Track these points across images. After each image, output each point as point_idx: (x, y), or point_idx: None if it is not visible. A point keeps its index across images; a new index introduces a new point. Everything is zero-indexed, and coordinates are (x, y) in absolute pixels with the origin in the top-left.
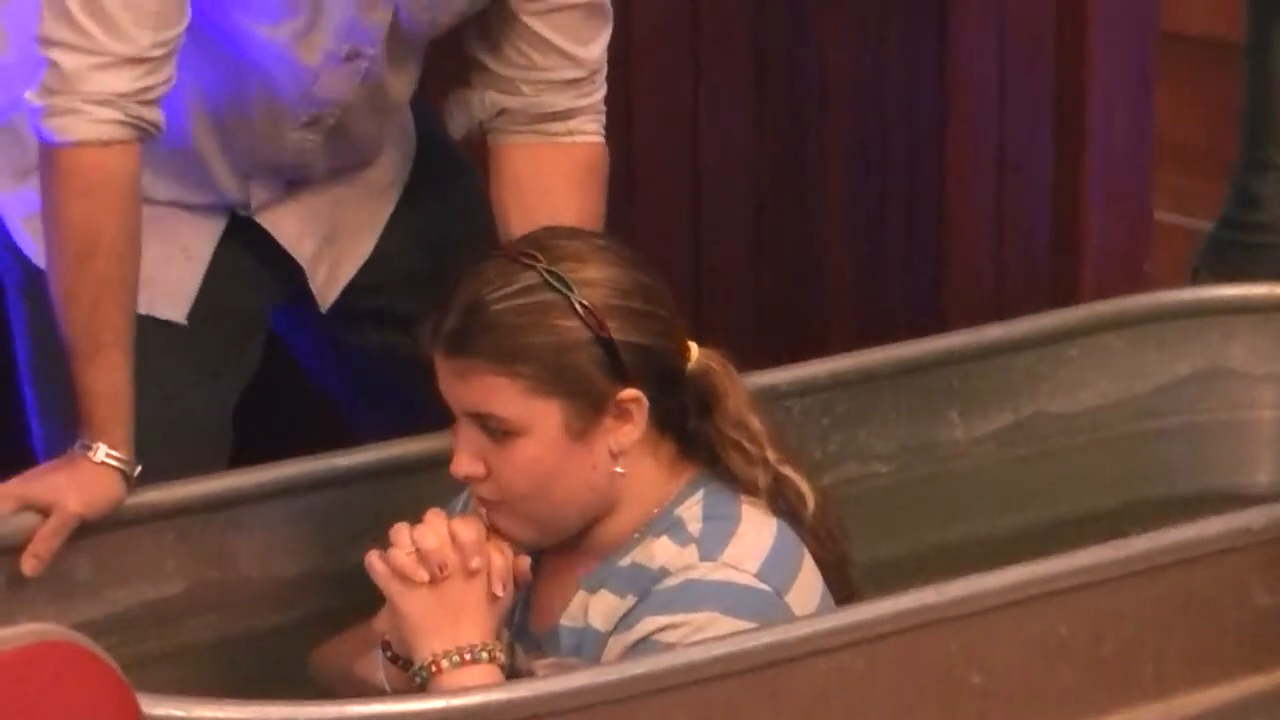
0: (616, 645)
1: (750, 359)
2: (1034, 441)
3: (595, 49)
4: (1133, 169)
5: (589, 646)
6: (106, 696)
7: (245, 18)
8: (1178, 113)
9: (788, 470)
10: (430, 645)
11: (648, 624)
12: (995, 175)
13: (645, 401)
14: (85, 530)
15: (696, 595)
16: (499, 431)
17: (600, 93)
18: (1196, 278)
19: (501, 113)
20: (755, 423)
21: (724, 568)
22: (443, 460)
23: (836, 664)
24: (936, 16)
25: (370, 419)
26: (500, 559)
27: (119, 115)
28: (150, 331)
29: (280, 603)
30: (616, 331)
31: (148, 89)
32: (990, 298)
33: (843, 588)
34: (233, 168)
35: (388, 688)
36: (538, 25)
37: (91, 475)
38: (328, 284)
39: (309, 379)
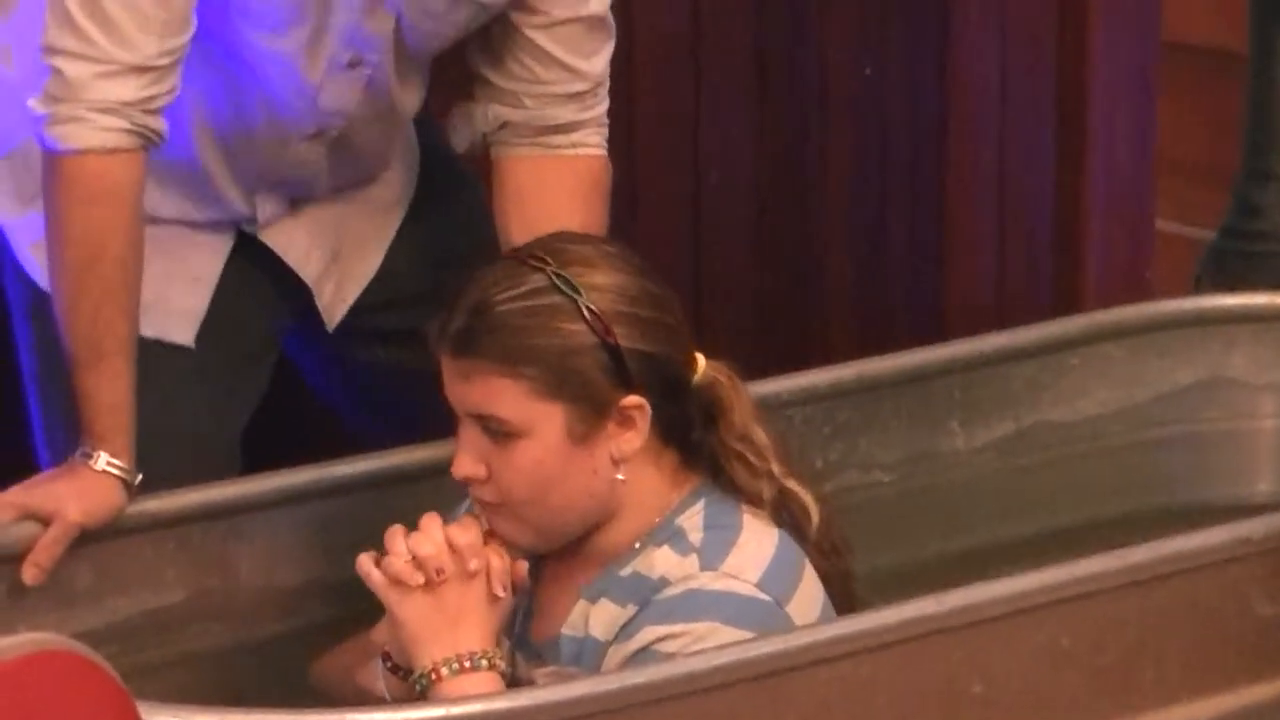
0: (617, 655)
1: (750, 361)
2: (1035, 451)
3: (598, 62)
4: (1134, 178)
5: (589, 656)
6: (107, 705)
7: (249, 29)
8: (1179, 122)
9: (792, 484)
10: (430, 653)
11: (648, 633)
12: (997, 184)
13: (648, 409)
14: (86, 539)
15: (697, 605)
16: (501, 433)
17: (603, 106)
18: (1198, 287)
19: (504, 126)
20: (760, 435)
21: (725, 578)
22: (444, 468)
23: (838, 673)
24: (937, 21)
25: (376, 432)
26: (499, 562)
27: (124, 123)
28: (159, 355)
29: (281, 611)
30: (622, 338)
31: (152, 98)
32: (991, 306)
33: (845, 602)
34: (238, 182)
35: (388, 698)
36: (540, 39)
37: (92, 484)
38: (334, 302)
39: (314, 395)
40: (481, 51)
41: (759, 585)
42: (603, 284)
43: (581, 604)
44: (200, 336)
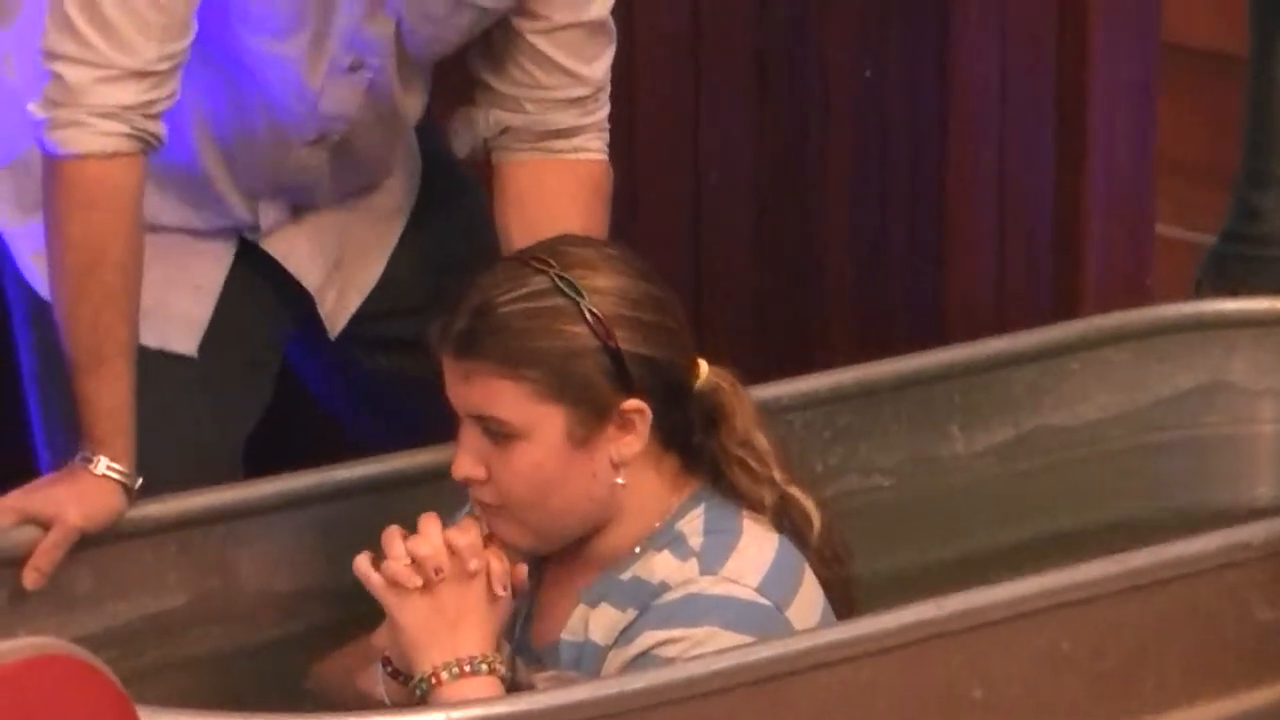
0: (616, 659)
1: (750, 361)
2: (1035, 455)
3: (599, 67)
4: (1134, 182)
5: (589, 660)
6: (106, 710)
7: (250, 34)
8: (1179, 125)
9: (794, 490)
10: (429, 657)
11: (648, 638)
12: (997, 185)
13: (649, 413)
14: (86, 543)
15: (697, 609)
16: (501, 435)
17: (604, 111)
18: (1199, 291)
19: (505, 130)
20: (762, 442)
21: (724, 582)
22: (445, 473)
23: (838, 678)
24: (937, 22)
25: (378, 440)
26: (499, 564)
27: (123, 128)
28: (162, 365)
29: (281, 615)
30: (624, 341)
31: (152, 102)
32: (991, 308)
33: (846, 608)
34: (240, 189)
35: (388, 702)
36: (541, 44)
37: (92, 488)
38: (336, 310)
39: (316, 403)
40: (482, 57)
41: (759, 590)
42: (605, 287)
43: (581, 608)
44: (203, 345)
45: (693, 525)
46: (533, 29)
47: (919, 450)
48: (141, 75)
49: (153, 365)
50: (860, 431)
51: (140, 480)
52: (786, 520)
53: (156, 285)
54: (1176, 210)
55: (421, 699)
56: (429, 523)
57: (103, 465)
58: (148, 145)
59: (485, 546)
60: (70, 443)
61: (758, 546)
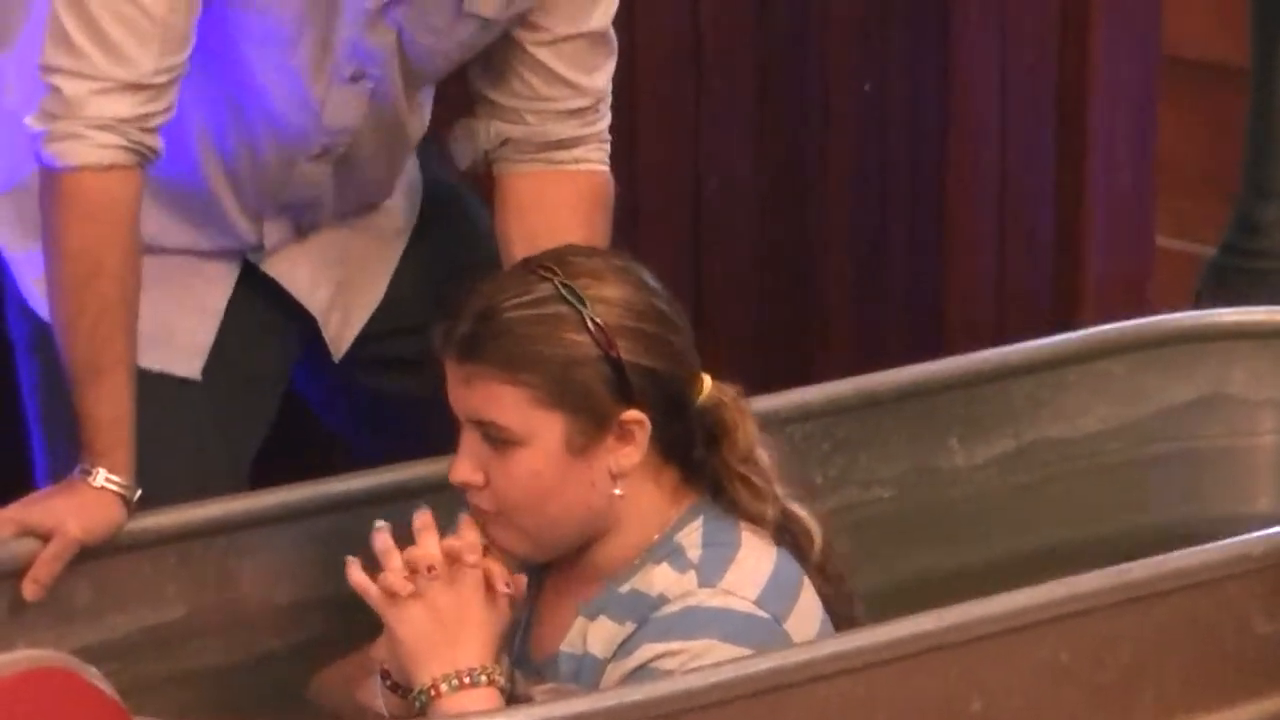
0: (615, 672)
1: (751, 368)
2: (1035, 467)
3: (599, 78)
4: (1135, 194)
5: (588, 673)
6: None
7: (251, 48)
8: (1180, 137)
9: (796, 507)
10: (429, 669)
11: (646, 651)
12: (997, 195)
13: (648, 425)
14: (85, 555)
15: (695, 622)
16: (500, 440)
17: (604, 122)
18: (1199, 303)
19: (506, 142)
20: (764, 458)
21: (723, 594)
22: (444, 484)
23: (836, 690)
24: (938, 32)
25: (381, 459)
26: (497, 566)
27: (120, 140)
28: (166, 389)
29: (281, 627)
30: (626, 351)
31: (149, 115)
32: (991, 319)
33: (848, 624)
34: (245, 207)
35: (387, 715)
36: (542, 55)
37: (91, 500)
38: (341, 332)
39: (320, 422)
40: (483, 71)
41: (757, 602)
42: (609, 297)
43: (580, 621)
44: (207, 369)
45: (691, 538)
46: (533, 40)
47: (918, 462)
48: (138, 88)
49: (157, 389)
50: (860, 443)
51: (139, 492)
52: (788, 536)
53: (160, 310)
54: (1176, 222)
55: (421, 711)
56: (421, 519)
57: (101, 477)
58: (145, 158)
59: (484, 554)
60: (72, 470)
61: (756, 559)
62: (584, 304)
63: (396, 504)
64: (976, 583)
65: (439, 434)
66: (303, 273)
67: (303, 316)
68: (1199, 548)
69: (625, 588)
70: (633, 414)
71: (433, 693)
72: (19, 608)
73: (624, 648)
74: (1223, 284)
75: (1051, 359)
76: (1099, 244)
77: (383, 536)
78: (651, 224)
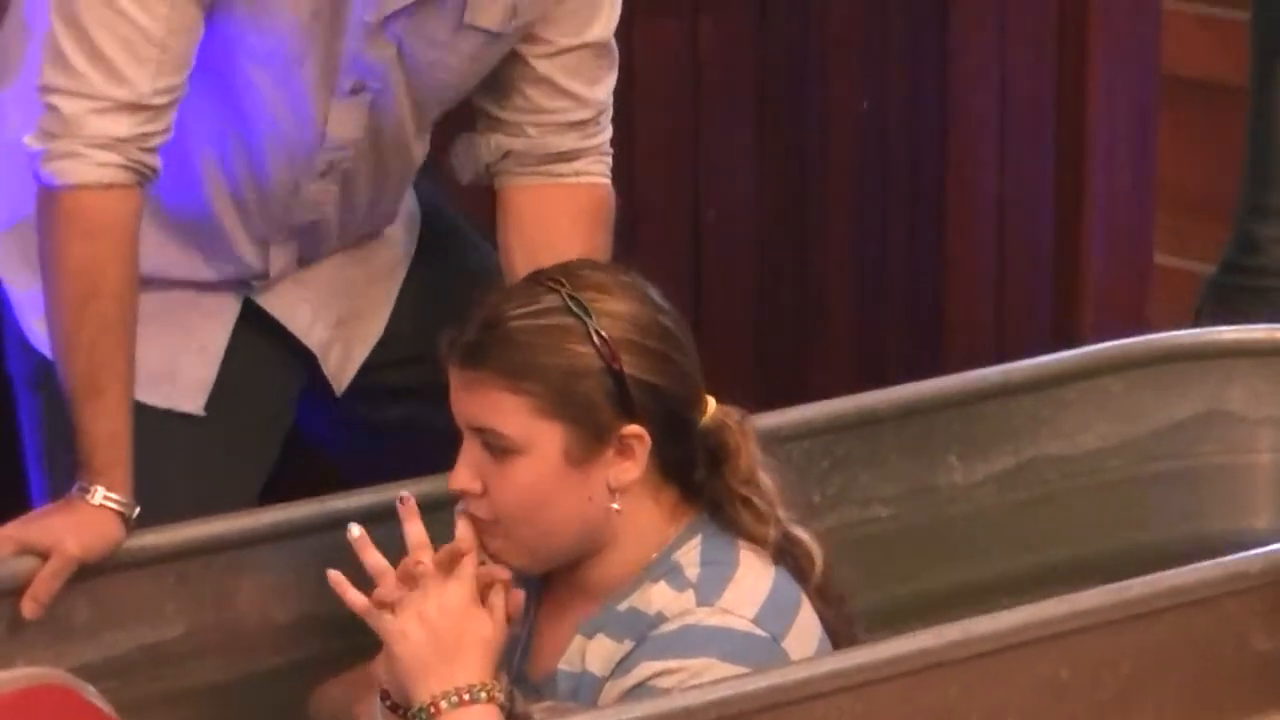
0: (613, 690)
1: (750, 394)
2: (1033, 485)
3: (601, 90)
4: (1134, 211)
5: (586, 691)
6: None
7: (255, 67)
8: (1178, 156)
9: (798, 530)
10: (428, 687)
11: (644, 669)
12: (996, 217)
13: (648, 440)
14: (84, 573)
15: (693, 641)
16: (500, 449)
17: (605, 134)
18: (1198, 321)
19: (507, 155)
20: (766, 480)
21: (721, 613)
22: (444, 502)
23: (834, 707)
24: (937, 58)
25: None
26: (498, 569)
27: (119, 159)
28: (171, 425)
29: (280, 645)
30: (629, 366)
31: (147, 135)
32: (990, 339)
33: (849, 645)
34: (251, 232)
35: None
36: (544, 68)
37: (90, 517)
38: (341, 367)
39: (319, 454)
40: (484, 87)
41: (755, 621)
42: (615, 311)
43: (578, 639)
44: (210, 405)
45: (690, 556)
46: (535, 53)
47: (917, 480)
48: (136, 108)
49: (161, 425)
50: (859, 461)
51: (137, 510)
52: (789, 558)
53: (162, 347)
54: (1176, 240)
55: None
56: (406, 509)
57: (100, 495)
58: (144, 177)
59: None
60: None
61: (754, 578)
62: (589, 316)
63: (396, 521)
64: (975, 600)
65: (440, 465)
66: (302, 311)
67: (303, 352)
68: (1198, 565)
69: (623, 606)
70: (633, 429)
71: (432, 710)
72: (18, 626)
73: (622, 666)
74: (1222, 302)
75: (1051, 377)
76: (1098, 270)
77: (374, 556)
78: (650, 253)
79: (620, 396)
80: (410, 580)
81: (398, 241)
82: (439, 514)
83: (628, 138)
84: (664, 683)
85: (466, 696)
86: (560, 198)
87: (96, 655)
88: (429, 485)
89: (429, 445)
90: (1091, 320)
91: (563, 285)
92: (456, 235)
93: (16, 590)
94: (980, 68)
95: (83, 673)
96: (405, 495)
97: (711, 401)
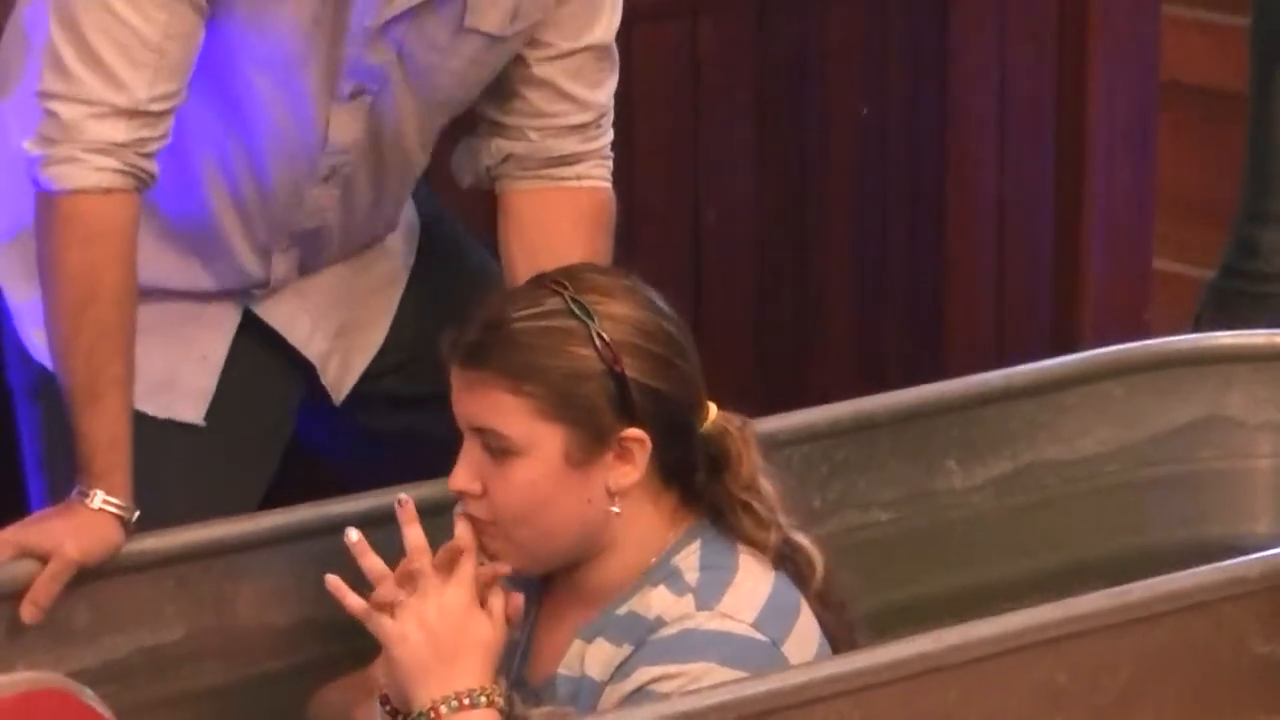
0: (613, 695)
1: (750, 398)
2: (1032, 490)
3: (602, 94)
4: (1133, 216)
5: (585, 696)
6: None
7: (257, 73)
8: (1178, 161)
9: (799, 537)
10: (429, 691)
11: (644, 674)
12: (996, 227)
13: (649, 444)
14: (84, 577)
15: (693, 645)
16: (500, 450)
17: (606, 138)
18: (1198, 326)
19: (508, 158)
20: (767, 487)
21: (720, 617)
22: (444, 506)
23: (833, 712)
24: (937, 61)
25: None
26: (498, 564)
27: (117, 164)
28: (171, 435)
29: (279, 649)
30: (630, 369)
31: (144, 140)
32: (990, 344)
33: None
34: (253, 240)
35: None
36: (546, 71)
37: (89, 521)
38: (340, 377)
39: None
40: (485, 90)
41: (755, 625)
42: (618, 314)
43: (577, 644)
44: (210, 415)
45: (689, 560)
46: (536, 56)
47: (916, 485)
48: (133, 114)
49: (161, 435)
50: (858, 466)
51: (137, 513)
52: (790, 564)
53: (163, 361)
54: (1175, 245)
55: None
56: (405, 513)
57: (99, 499)
58: (142, 182)
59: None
60: None
61: (754, 582)
62: (592, 319)
63: (395, 526)
64: (974, 604)
65: (440, 473)
66: (302, 320)
67: (303, 363)
68: (1196, 570)
69: (623, 610)
70: (634, 432)
71: (432, 714)
72: (17, 629)
73: (621, 670)
74: (1222, 307)
75: (1050, 382)
76: (1097, 275)
77: (372, 560)
78: (650, 256)
79: (621, 400)
80: (409, 580)
81: (397, 251)
82: (438, 518)
83: (627, 140)
84: (663, 687)
85: (466, 701)
86: (561, 201)
87: (96, 659)
88: (428, 490)
89: (429, 455)
90: (1091, 325)
91: (566, 288)
92: (456, 244)
93: (16, 594)
94: (980, 68)
95: (82, 677)
96: (404, 498)
97: (713, 408)
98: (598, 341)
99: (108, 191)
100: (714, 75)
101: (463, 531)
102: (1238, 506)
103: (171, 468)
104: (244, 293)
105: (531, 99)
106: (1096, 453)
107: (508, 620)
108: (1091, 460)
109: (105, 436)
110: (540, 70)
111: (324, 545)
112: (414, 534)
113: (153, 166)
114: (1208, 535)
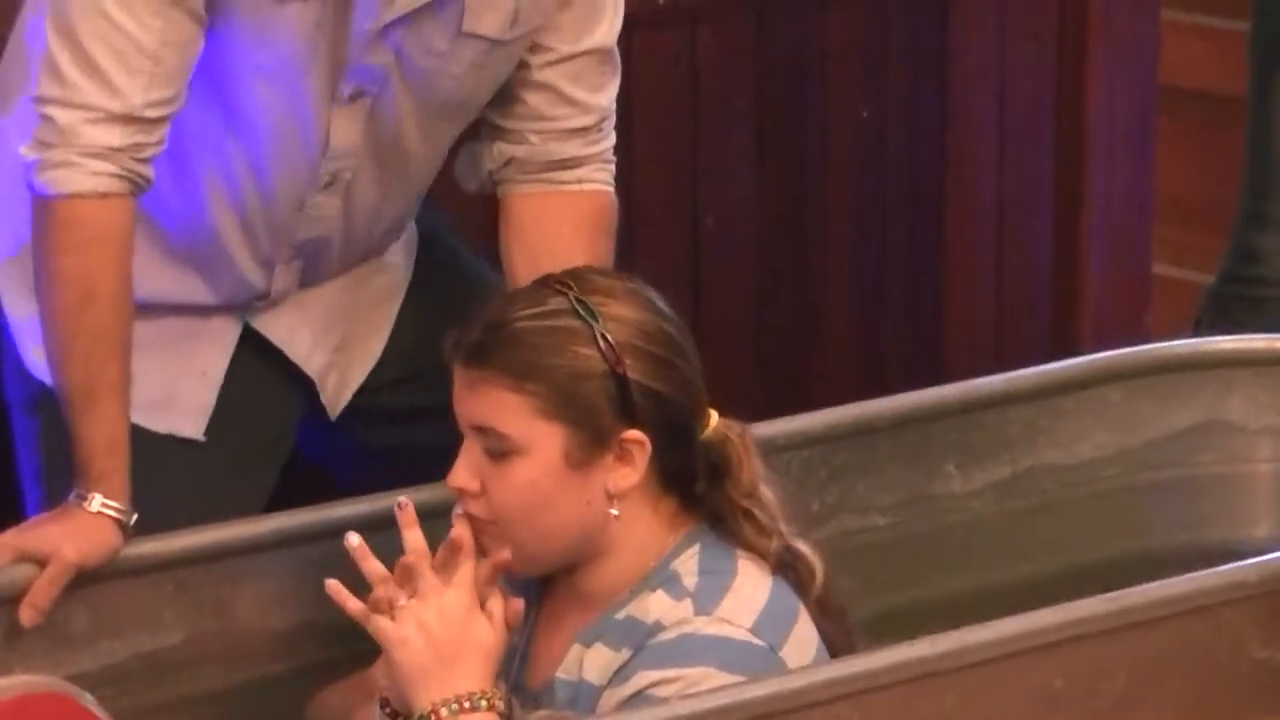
0: (611, 699)
1: (749, 403)
2: (1031, 494)
3: (603, 97)
4: (1132, 221)
5: (584, 700)
6: None
7: (260, 81)
8: (1177, 165)
9: (800, 544)
10: (428, 694)
11: (642, 678)
12: (995, 230)
13: (649, 447)
14: (82, 580)
15: (691, 650)
16: (500, 449)
17: (608, 141)
18: (1198, 331)
19: (509, 162)
20: (768, 494)
21: (719, 622)
22: (442, 510)
23: (832, 716)
24: (937, 67)
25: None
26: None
27: (112, 168)
28: (171, 450)
29: (279, 653)
30: (633, 371)
31: (140, 145)
32: (990, 349)
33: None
34: (255, 251)
35: None
36: (548, 75)
37: (88, 525)
38: (338, 392)
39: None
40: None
41: (753, 630)
42: (621, 316)
43: (576, 648)
44: (210, 430)
45: (688, 565)
46: (537, 60)
47: (915, 489)
48: (128, 120)
49: (161, 451)
50: (857, 470)
51: (135, 516)
52: (790, 571)
53: (162, 375)
54: (1175, 250)
55: None
56: (404, 516)
57: (97, 503)
58: (138, 187)
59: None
60: None
61: (752, 587)
62: (596, 319)
63: (394, 530)
64: (972, 609)
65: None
66: (302, 335)
67: (302, 377)
68: (1195, 574)
69: (621, 614)
70: (634, 434)
71: (433, 717)
72: (15, 633)
73: (620, 675)
74: (1221, 312)
75: (1049, 386)
76: (1097, 280)
77: (373, 565)
78: (650, 261)
79: (623, 401)
80: (407, 578)
81: (397, 265)
82: (438, 521)
83: (627, 144)
84: (662, 692)
85: (467, 704)
86: (562, 205)
87: (94, 663)
88: (428, 493)
89: (428, 468)
90: (1090, 330)
91: (570, 288)
92: (454, 255)
93: (14, 598)
94: (980, 68)
95: (81, 681)
96: (404, 501)
97: (714, 415)
98: (601, 342)
99: (104, 196)
100: (713, 82)
101: (461, 530)
102: (1237, 511)
103: (171, 483)
104: (244, 306)
105: (532, 102)
106: (1095, 457)
107: (507, 624)
108: (1091, 465)
109: (103, 440)
110: (541, 74)
111: (324, 549)
112: (414, 537)
113: (149, 171)
114: (1207, 540)
